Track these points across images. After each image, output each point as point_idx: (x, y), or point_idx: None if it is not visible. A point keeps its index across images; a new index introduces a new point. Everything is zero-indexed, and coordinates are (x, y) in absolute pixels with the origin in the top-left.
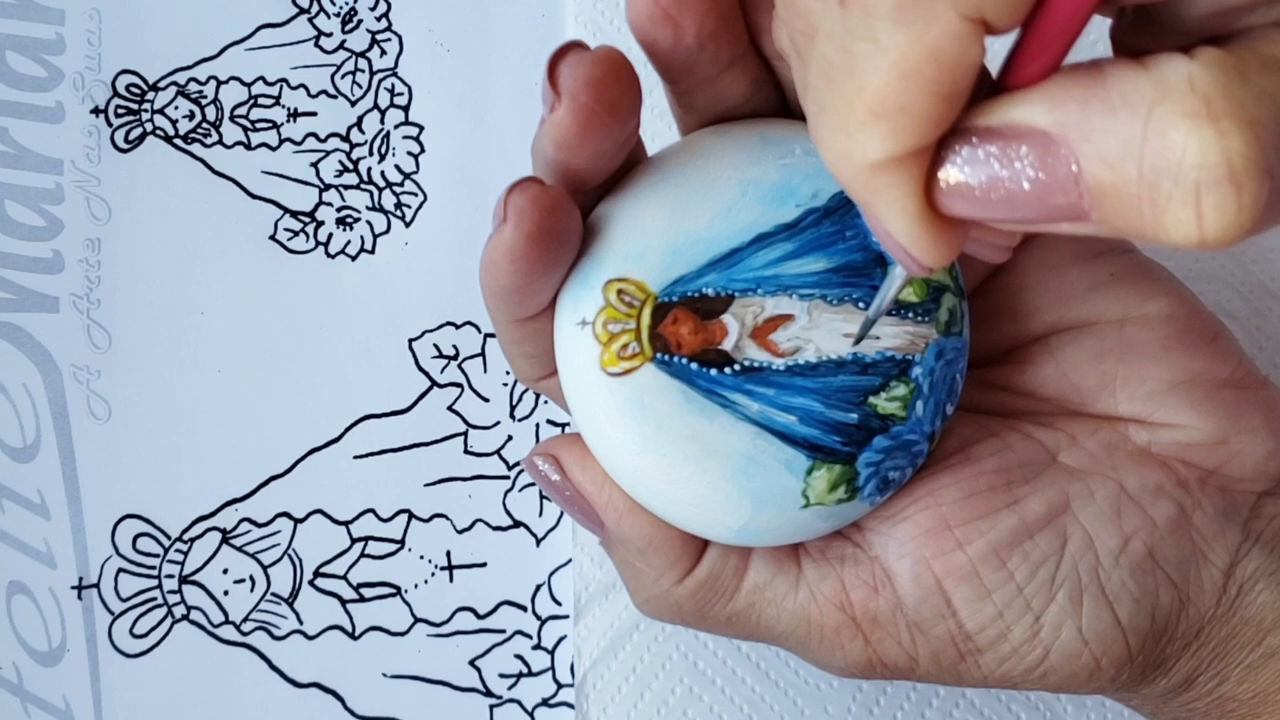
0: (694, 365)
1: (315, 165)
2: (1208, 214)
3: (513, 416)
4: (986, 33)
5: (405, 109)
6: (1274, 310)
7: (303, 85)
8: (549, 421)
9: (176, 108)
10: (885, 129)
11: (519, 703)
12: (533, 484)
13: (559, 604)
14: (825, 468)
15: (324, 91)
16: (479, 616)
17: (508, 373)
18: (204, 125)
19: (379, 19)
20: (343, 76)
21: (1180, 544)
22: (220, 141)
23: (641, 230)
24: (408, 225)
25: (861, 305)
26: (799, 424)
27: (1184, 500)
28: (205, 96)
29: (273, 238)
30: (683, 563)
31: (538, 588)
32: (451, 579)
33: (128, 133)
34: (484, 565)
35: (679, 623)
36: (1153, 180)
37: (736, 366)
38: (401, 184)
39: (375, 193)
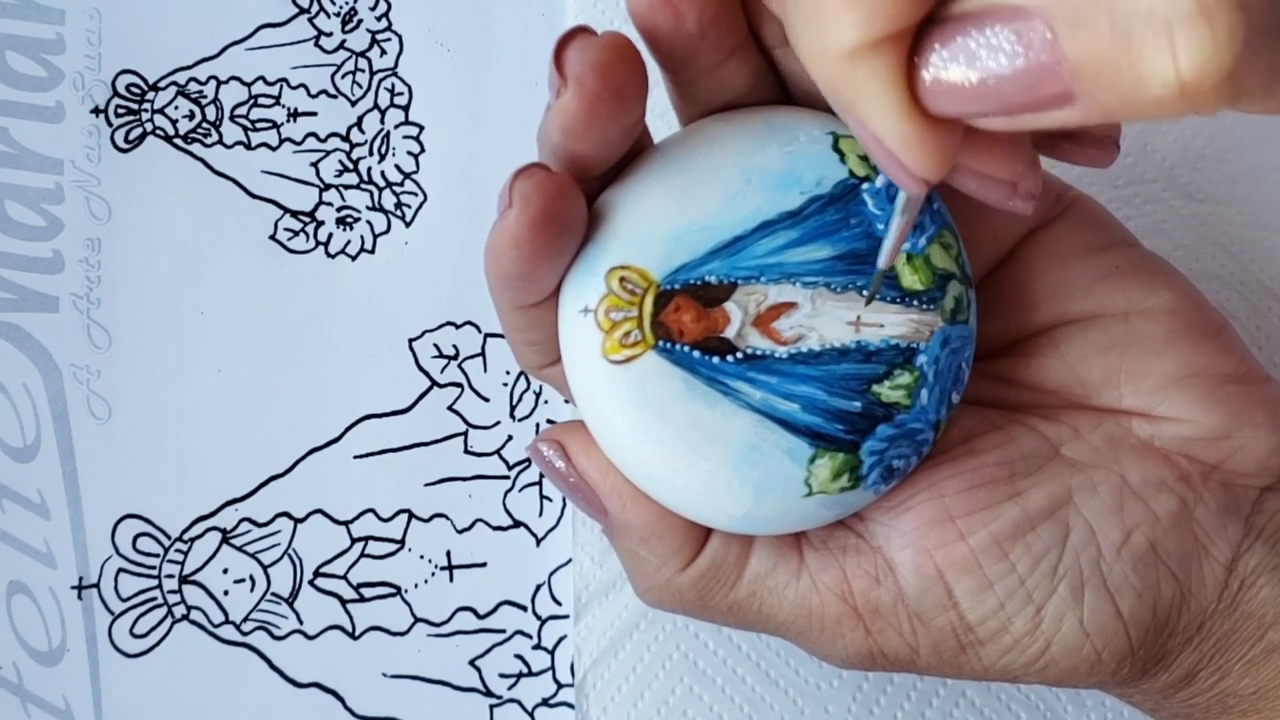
0: (696, 353)
1: (315, 165)
2: (1182, 53)
3: (513, 416)
4: None
5: (405, 109)
6: (1274, 310)
7: (303, 85)
8: (549, 421)
9: (176, 108)
10: (859, 12)
11: (519, 703)
12: (533, 484)
13: (559, 604)
14: (828, 456)
15: (324, 91)
16: (479, 616)
17: (508, 372)
18: (204, 125)
19: (379, 19)
20: (343, 76)
21: (1182, 538)
22: (220, 141)
23: (645, 218)
24: (408, 225)
25: (865, 293)
26: (801, 412)
27: (1186, 495)
28: (205, 96)
29: (273, 238)
30: (685, 551)
31: (538, 588)
32: (451, 579)
33: (128, 133)
34: (484, 565)
35: (681, 612)
36: (1125, 29)
37: (739, 354)
38: (401, 184)
39: (375, 193)
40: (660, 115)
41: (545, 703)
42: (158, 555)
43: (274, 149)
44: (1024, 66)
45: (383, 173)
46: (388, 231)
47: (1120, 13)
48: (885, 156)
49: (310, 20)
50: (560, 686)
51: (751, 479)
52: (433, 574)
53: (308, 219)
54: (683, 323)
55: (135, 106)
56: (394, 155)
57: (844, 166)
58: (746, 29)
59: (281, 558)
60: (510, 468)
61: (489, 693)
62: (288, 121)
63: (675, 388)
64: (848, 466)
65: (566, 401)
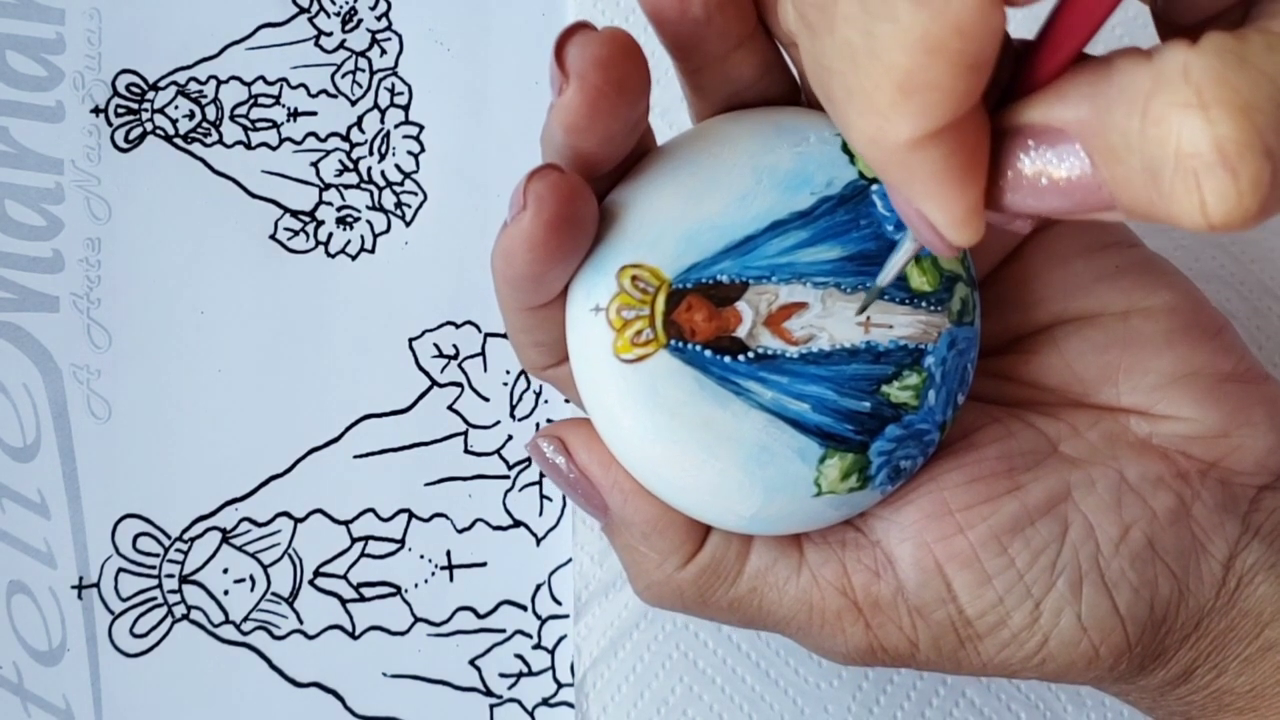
0: (707, 352)
1: (315, 165)
2: (1209, 200)
3: (513, 416)
4: (1006, 3)
5: (405, 108)
6: (1274, 310)
7: (303, 85)
8: (549, 420)
9: (177, 107)
10: (915, 106)
11: (519, 702)
12: (533, 483)
13: (559, 603)
14: (838, 456)
15: (324, 91)
16: (479, 616)
17: (508, 372)
18: (204, 125)
19: (379, 18)
20: (343, 76)
21: (1180, 535)
22: (220, 141)
23: (656, 216)
24: (408, 225)
25: (864, 300)
26: (812, 412)
27: (1184, 492)
28: (205, 96)
29: (273, 237)
30: (686, 547)
31: (538, 587)
32: (451, 579)
33: (128, 132)
34: (484, 565)
35: (681, 609)
36: (1155, 170)
37: (750, 354)
38: (401, 183)
39: (375, 192)
40: (661, 113)
41: (545, 702)
42: (158, 555)
43: (274, 149)
44: (1069, 182)
45: (383, 172)
46: (388, 231)
47: (1149, 156)
48: (924, 227)
49: (310, 20)
50: (560, 686)
51: (761, 479)
52: (433, 574)
53: (308, 219)
54: (695, 322)
55: (135, 106)
56: (394, 155)
57: (854, 168)
58: (755, 19)
59: (281, 557)
60: (510, 467)
61: (489, 692)
62: (288, 121)
63: (687, 387)
64: (857, 467)
65: (567, 401)
